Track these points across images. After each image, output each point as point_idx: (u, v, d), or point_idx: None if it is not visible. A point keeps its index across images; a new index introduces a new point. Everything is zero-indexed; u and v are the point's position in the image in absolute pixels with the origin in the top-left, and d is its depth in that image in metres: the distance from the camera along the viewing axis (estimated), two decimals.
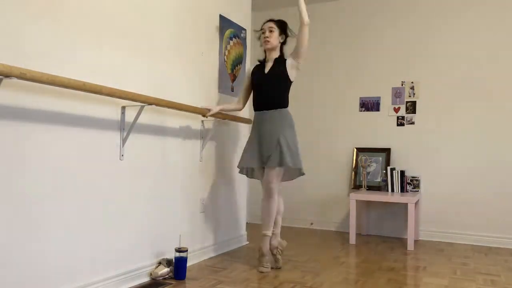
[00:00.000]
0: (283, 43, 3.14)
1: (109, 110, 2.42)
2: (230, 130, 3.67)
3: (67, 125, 2.16)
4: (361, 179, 4.54)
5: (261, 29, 3.12)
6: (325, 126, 4.92)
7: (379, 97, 4.66)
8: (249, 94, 3.25)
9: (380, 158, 4.55)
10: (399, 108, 4.55)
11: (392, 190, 4.36)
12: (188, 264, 3.03)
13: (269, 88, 3.03)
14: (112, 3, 2.44)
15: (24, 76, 1.76)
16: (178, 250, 2.73)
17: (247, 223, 4.89)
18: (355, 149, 4.70)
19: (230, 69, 3.67)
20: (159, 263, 2.77)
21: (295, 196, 4.93)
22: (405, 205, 4.40)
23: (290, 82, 3.08)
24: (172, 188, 2.95)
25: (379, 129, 4.64)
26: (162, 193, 2.85)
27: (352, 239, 4.06)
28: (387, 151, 4.54)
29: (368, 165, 4.57)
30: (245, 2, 3.94)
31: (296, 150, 2.97)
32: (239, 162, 3.14)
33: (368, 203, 4.59)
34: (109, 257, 2.42)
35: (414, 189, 4.39)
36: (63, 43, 2.14)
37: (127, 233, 2.55)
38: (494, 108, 4.18)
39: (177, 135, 3.01)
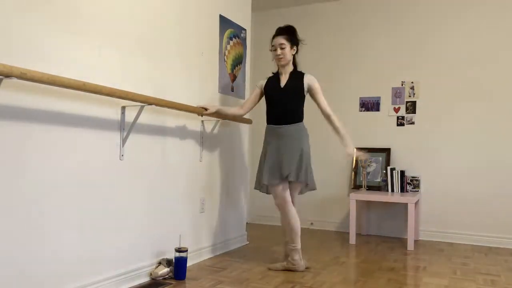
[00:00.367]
0: (295, 54, 3.09)
1: (109, 110, 2.42)
2: (230, 130, 3.67)
3: (67, 125, 2.16)
4: (361, 179, 4.54)
5: (272, 45, 3.03)
6: (325, 126, 4.91)
7: (379, 97, 4.66)
8: (255, 104, 3.20)
9: (380, 158, 4.55)
10: (399, 108, 4.55)
11: (392, 190, 4.36)
12: (188, 264, 3.03)
13: (287, 102, 2.99)
14: (112, 3, 2.44)
15: (24, 76, 1.76)
16: (178, 250, 2.73)
17: (247, 223, 4.89)
18: (355, 149, 4.70)
19: (230, 69, 3.67)
20: (159, 263, 2.77)
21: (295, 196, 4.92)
22: (405, 205, 4.40)
23: (304, 96, 3.06)
24: (172, 188, 2.95)
25: (379, 129, 4.64)
26: (162, 193, 2.85)
27: (352, 239, 4.06)
28: (387, 151, 4.54)
29: (368, 165, 4.57)
30: (245, 2, 3.95)
31: (311, 167, 3.02)
32: (259, 180, 3.03)
33: (368, 203, 4.59)
34: (109, 257, 2.42)
35: (414, 189, 4.39)
36: (63, 43, 2.14)
37: (127, 233, 2.55)
38: (494, 108, 4.18)
39: (177, 135, 3.01)
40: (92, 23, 2.30)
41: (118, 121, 2.48)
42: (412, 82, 4.51)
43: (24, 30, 1.94)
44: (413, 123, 4.49)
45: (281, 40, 2.99)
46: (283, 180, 2.96)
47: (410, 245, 3.83)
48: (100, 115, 2.36)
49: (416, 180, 4.40)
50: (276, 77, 3.10)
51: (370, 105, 4.69)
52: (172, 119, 2.95)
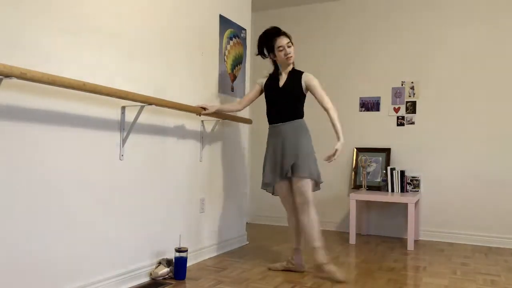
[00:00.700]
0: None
1: (109, 110, 2.42)
2: (230, 130, 3.67)
3: (67, 125, 2.16)
4: (361, 179, 4.54)
5: (279, 47, 2.96)
6: (325, 126, 4.91)
7: (379, 97, 4.66)
8: (252, 101, 3.18)
9: (380, 158, 4.55)
10: (399, 108, 4.55)
11: (392, 190, 4.36)
12: (188, 264, 3.03)
13: (284, 102, 2.97)
14: (112, 4, 2.44)
15: (24, 76, 1.76)
16: (178, 250, 2.73)
17: (247, 223, 4.90)
18: (355, 149, 4.70)
19: (230, 69, 3.67)
20: (159, 263, 2.77)
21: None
22: (405, 205, 4.40)
23: (304, 95, 3.04)
24: (172, 188, 2.95)
25: (379, 129, 4.64)
26: (162, 193, 2.85)
27: (352, 239, 4.06)
28: (387, 151, 4.55)
29: (368, 165, 4.57)
30: (245, 2, 3.95)
31: (312, 161, 2.95)
32: (263, 179, 3.01)
33: (368, 203, 4.60)
34: (109, 257, 2.42)
35: (414, 189, 4.39)
36: (64, 43, 2.14)
37: (127, 233, 2.55)
38: (494, 108, 4.18)
39: (177, 135, 3.01)
40: (92, 23, 2.30)
41: (118, 121, 2.48)
42: (412, 82, 4.51)
43: (24, 30, 1.94)
44: (413, 123, 4.49)
45: (286, 39, 2.98)
46: (283, 179, 2.95)
47: (410, 245, 3.83)
48: (100, 115, 2.36)
49: (416, 180, 4.40)
50: (275, 76, 3.08)
51: (370, 105, 4.69)
52: (172, 119, 2.95)
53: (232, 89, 3.69)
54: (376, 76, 4.68)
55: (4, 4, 1.85)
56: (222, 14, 3.54)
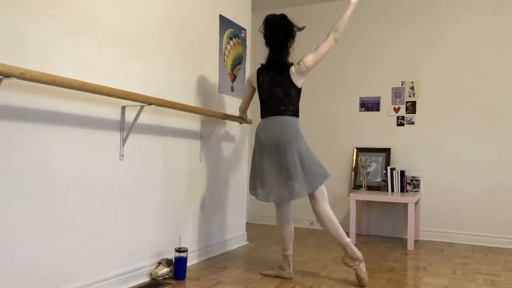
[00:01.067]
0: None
1: (109, 110, 2.42)
2: (230, 130, 3.67)
3: (67, 125, 2.16)
4: (361, 179, 4.53)
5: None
6: (325, 126, 4.92)
7: (379, 97, 4.66)
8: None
9: (380, 158, 4.55)
10: (399, 108, 4.55)
11: (392, 190, 4.36)
12: (188, 264, 3.03)
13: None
14: (112, 4, 2.43)
15: (24, 76, 1.76)
16: (178, 250, 2.73)
17: (247, 223, 4.90)
18: (355, 149, 4.70)
19: (230, 69, 3.67)
20: (159, 263, 2.77)
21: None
22: (405, 205, 4.40)
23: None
24: (172, 188, 2.95)
25: (379, 129, 4.64)
26: (162, 193, 2.85)
27: (352, 239, 4.06)
28: (387, 151, 4.54)
29: (368, 165, 4.57)
30: (245, 2, 3.95)
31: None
32: (258, 196, 2.80)
33: (368, 203, 4.59)
34: (109, 257, 2.42)
35: (414, 189, 4.39)
36: (64, 43, 2.14)
37: (127, 233, 2.55)
38: (494, 108, 4.18)
39: (177, 135, 3.01)
40: (92, 23, 2.30)
41: (118, 121, 2.48)
42: (412, 82, 4.51)
43: (24, 30, 1.94)
44: (413, 123, 4.49)
45: None
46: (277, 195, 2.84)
47: (410, 245, 3.83)
48: (100, 115, 2.36)
49: (416, 180, 4.40)
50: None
51: (370, 105, 4.69)
52: (172, 119, 2.95)
53: (232, 89, 3.69)
54: (376, 76, 4.68)
55: (4, 4, 1.85)
56: (222, 14, 3.54)
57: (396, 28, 4.61)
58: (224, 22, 3.58)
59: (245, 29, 3.91)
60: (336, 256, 3.49)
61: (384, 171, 4.45)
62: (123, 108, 2.51)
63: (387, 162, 4.48)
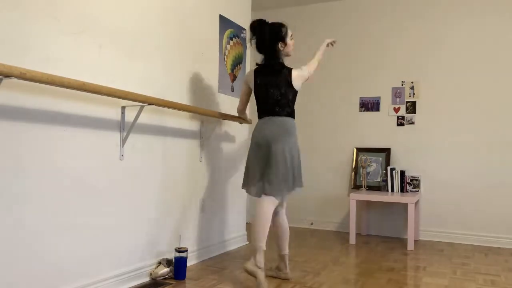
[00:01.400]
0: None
1: (109, 110, 2.42)
2: (230, 130, 3.67)
3: (67, 125, 2.16)
4: (361, 179, 4.53)
5: (291, 35, 2.88)
6: (325, 126, 4.92)
7: (379, 97, 4.66)
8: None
9: (380, 158, 4.55)
10: (399, 108, 4.55)
11: (392, 190, 4.36)
12: (188, 264, 3.03)
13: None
14: (112, 4, 2.43)
15: (24, 76, 1.76)
16: (178, 250, 2.73)
17: (247, 223, 4.89)
18: (355, 149, 4.70)
19: (230, 69, 3.67)
20: (159, 263, 2.77)
21: (295, 196, 4.93)
22: (405, 205, 4.40)
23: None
24: (172, 188, 2.95)
25: (379, 129, 4.64)
26: (162, 193, 2.85)
27: (352, 239, 4.06)
28: (387, 151, 4.54)
29: (368, 165, 4.57)
30: (245, 2, 3.95)
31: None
32: (251, 192, 2.82)
33: (368, 203, 4.59)
34: (109, 257, 2.42)
35: (414, 189, 4.39)
36: (64, 43, 2.14)
37: (127, 233, 2.55)
38: (495, 108, 4.18)
39: (177, 135, 3.01)
40: (92, 23, 2.30)
41: (118, 121, 2.48)
42: (412, 82, 4.51)
43: (24, 30, 1.94)
44: (413, 123, 4.49)
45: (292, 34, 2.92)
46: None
47: (410, 245, 3.83)
48: (100, 115, 2.36)
49: (416, 180, 4.40)
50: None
51: (370, 105, 4.69)
52: (172, 119, 2.95)
53: (232, 89, 3.69)
54: (376, 76, 4.68)
55: (4, 4, 1.85)
56: (222, 14, 3.54)
57: (396, 28, 4.61)
58: (224, 22, 3.58)
59: (245, 29, 3.91)
60: (336, 256, 3.49)
61: (384, 171, 4.45)
62: (123, 108, 2.51)
63: (387, 162, 4.48)
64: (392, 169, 4.37)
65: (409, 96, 4.52)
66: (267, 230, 2.63)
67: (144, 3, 2.68)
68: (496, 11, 4.21)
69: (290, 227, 4.85)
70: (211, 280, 2.73)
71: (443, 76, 4.39)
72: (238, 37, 3.80)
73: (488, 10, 4.24)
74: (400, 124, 4.54)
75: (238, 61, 3.79)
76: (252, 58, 5.23)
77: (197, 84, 3.23)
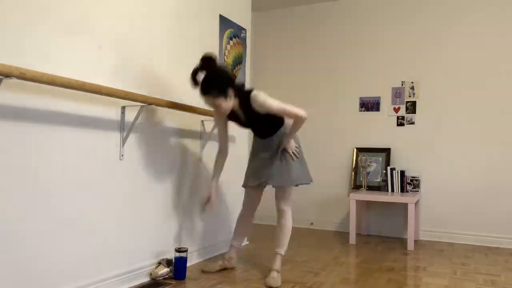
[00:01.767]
0: (235, 95, 2.63)
1: (109, 110, 2.42)
2: (230, 131, 3.66)
3: (67, 125, 2.16)
4: (361, 179, 4.53)
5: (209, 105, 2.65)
6: (325, 126, 4.92)
7: (379, 97, 4.66)
8: (228, 137, 2.99)
9: (380, 158, 4.55)
10: (399, 108, 4.55)
11: (392, 190, 4.36)
12: (188, 264, 3.03)
13: (258, 126, 2.82)
14: (112, 4, 2.43)
15: (24, 76, 1.76)
16: (178, 250, 2.73)
17: None
18: (355, 149, 4.70)
19: (230, 69, 3.67)
20: (159, 263, 2.77)
21: (295, 196, 4.93)
22: (405, 205, 4.40)
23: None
24: (172, 188, 2.95)
25: (379, 129, 4.64)
26: (162, 193, 2.85)
27: (352, 239, 4.06)
28: (387, 151, 4.54)
29: (368, 165, 4.57)
30: (245, 2, 3.94)
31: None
32: (248, 182, 2.96)
33: (368, 203, 4.59)
34: (109, 257, 2.42)
35: (414, 189, 4.39)
36: (64, 43, 2.14)
37: (127, 233, 2.55)
38: (494, 108, 4.18)
39: (177, 135, 3.01)
40: (92, 23, 2.30)
41: (118, 121, 2.48)
42: (412, 82, 4.51)
43: (24, 30, 1.94)
44: (413, 123, 4.49)
45: (211, 101, 2.55)
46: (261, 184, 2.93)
47: (410, 245, 3.83)
48: (100, 115, 2.36)
49: (416, 180, 4.40)
50: (232, 113, 2.78)
51: (370, 105, 4.69)
52: (172, 119, 2.95)
53: None
54: (376, 76, 4.68)
55: (4, 4, 1.85)
56: (222, 14, 3.54)
57: (396, 28, 4.61)
58: (224, 22, 3.58)
59: (245, 29, 3.91)
60: (336, 256, 3.49)
61: (384, 171, 4.45)
62: (123, 108, 2.51)
63: (387, 162, 4.48)
64: (392, 169, 4.37)
65: (409, 96, 4.52)
66: None
67: (144, 3, 2.68)
68: (497, 11, 4.21)
69: None
70: (211, 280, 2.73)
71: (443, 76, 4.39)
72: (238, 37, 3.80)
73: (489, 10, 4.24)
74: (400, 124, 4.54)
75: (238, 61, 3.79)
76: (252, 58, 5.23)
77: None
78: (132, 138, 2.59)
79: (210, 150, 3.39)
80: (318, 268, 3.09)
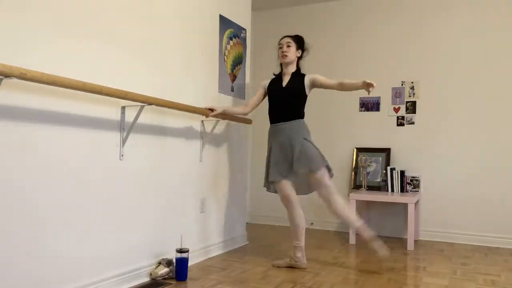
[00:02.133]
0: (299, 58, 3.22)
1: (109, 110, 2.42)
2: (230, 130, 3.67)
3: (67, 125, 2.16)
4: (361, 179, 4.53)
5: (279, 44, 3.18)
6: (325, 126, 4.92)
7: (379, 97, 4.66)
8: (259, 103, 3.30)
9: (380, 158, 4.55)
10: (399, 108, 4.55)
11: (392, 190, 4.36)
12: (189, 264, 3.03)
13: (287, 101, 3.08)
14: (112, 4, 2.43)
15: (24, 76, 1.76)
16: (179, 250, 2.73)
17: (247, 223, 4.89)
18: (355, 149, 4.70)
19: (230, 69, 3.67)
20: (159, 263, 2.77)
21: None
22: (405, 205, 4.40)
23: (306, 96, 3.14)
24: (172, 188, 2.95)
25: (379, 129, 4.64)
26: (162, 193, 2.85)
27: (352, 239, 4.06)
28: (387, 151, 4.54)
29: (368, 165, 4.57)
30: (245, 2, 3.94)
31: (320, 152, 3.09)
32: (266, 178, 3.13)
33: (368, 203, 4.59)
34: (109, 257, 2.42)
35: (414, 189, 4.39)
36: (64, 43, 2.14)
37: (127, 233, 2.55)
38: (494, 108, 4.18)
39: (177, 135, 3.01)
40: (92, 23, 2.30)
41: (118, 121, 2.48)
42: (412, 82, 4.51)
43: (24, 30, 1.94)
44: (413, 123, 4.49)
45: (288, 39, 3.16)
46: (285, 177, 3.05)
47: (410, 245, 3.83)
48: (100, 115, 2.36)
49: (416, 180, 4.40)
50: (279, 77, 3.20)
51: (370, 105, 4.69)
52: (172, 119, 2.95)
53: (232, 89, 3.69)
54: (376, 76, 4.68)
55: (4, 5, 1.85)
56: (222, 14, 3.54)
57: (396, 28, 4.61)
58: (224, 22, 3.58)
59: (245, 29, 3.91)
60: (336, 256, 3.49)
61: (384, 171, 4.45)
62: (123, 108, 2.51)
63: (387, 162, 4.48)
64: (392, 169, 4.37)
65: (409, 96, 4.52)
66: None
67: (144, 3, 2.68)
68: (497, 10, 4.21)
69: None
70: (211, 280, 2.73)
71: (443, 76, 4.39)
72: (238, 37, 3.80)
73: (489, 10, 4.24)
74: (400, 124, 4.54)
75: (238, 61, 3.79)
76: (252, 58, 5.23)
77: (197, 84, 3.23)
78: (132, 138, 2.59)
79: (210, 150, 3.39)
80: (318, 268, 3.09)
